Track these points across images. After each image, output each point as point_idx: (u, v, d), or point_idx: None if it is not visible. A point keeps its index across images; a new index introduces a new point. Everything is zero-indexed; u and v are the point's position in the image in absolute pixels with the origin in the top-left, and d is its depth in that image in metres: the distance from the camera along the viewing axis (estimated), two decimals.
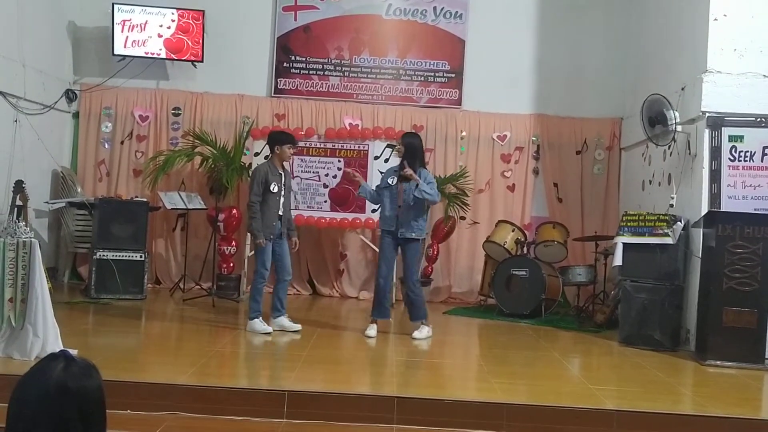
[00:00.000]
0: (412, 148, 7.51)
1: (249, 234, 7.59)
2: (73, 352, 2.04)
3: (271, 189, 7.39)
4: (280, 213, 7.51)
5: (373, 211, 9.71)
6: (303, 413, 4.96)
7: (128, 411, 4.79)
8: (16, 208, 7.97)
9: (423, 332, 7.51)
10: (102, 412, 1.96)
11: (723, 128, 7.55)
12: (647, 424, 4.99)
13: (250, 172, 7.78)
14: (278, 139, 7.65)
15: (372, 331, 7.51)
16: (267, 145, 7.85)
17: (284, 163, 7.67)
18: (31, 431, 1.83)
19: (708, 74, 7.62)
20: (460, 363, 7.14)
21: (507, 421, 4.95)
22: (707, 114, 7.60)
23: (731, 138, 7.54)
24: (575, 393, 5.60)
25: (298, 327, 7.53)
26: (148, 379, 5.33)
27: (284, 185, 7.56)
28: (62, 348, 1.94)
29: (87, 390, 1.90)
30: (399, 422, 4.94)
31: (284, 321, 7.54)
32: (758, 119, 7.51)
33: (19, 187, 8.10)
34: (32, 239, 5.67)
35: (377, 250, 10.01)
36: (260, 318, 7.41)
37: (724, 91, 7.57)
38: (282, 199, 7.52)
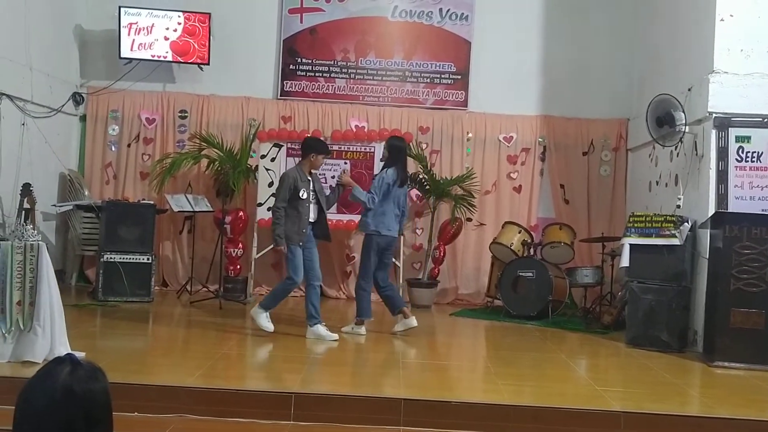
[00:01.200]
0: (390, 148, 7.73)
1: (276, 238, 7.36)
2: (80, 355, 2.05)
3: (301, 195, 7.30)
4: (312, 219, 7.46)
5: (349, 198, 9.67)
6: (310, 415, 4.97)
7: (136, 413, 4.81)
8: (23, 211, 7.97)
9: (347, 328, 7.68)
10: (108, 416, 1.96)
11: (730, 129, 7.53)
12: (654, 425, 4.98)
13: (279, 177, 7.62)
14: (315, 147, 7.55)
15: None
16: (301, 150, 7.71)
17: (312, 170, 7.59)
18: None
19: (715, 75, 7.60)
20: (466, 365, 7.14)
21: (514, 423, 4.95)
22: (714, 114, 7.58)
23: (738, 138, 7.51)
24: (582, 394, 5.59)
25: (336, 336, 7.33)
26: (155, 381, 5.34)
27: (314, 190, 7.50)
28: (69, 351, 1.94)
29: (93, 393, 1.91)
30: (405, 424, 4.94)
31: (321, 330, 7.35)
32: (765, 119, 7.49)
33: (26, 190, 8.09)
34: (39, 242, 5.69)
35: None
36: (267, 314, 7.38)
37: (731, 92, 7.54)
38: (311, 205, 7.44)
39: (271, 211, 7.45)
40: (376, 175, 7.82)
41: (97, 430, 1.91)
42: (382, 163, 7.88)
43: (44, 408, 1.85)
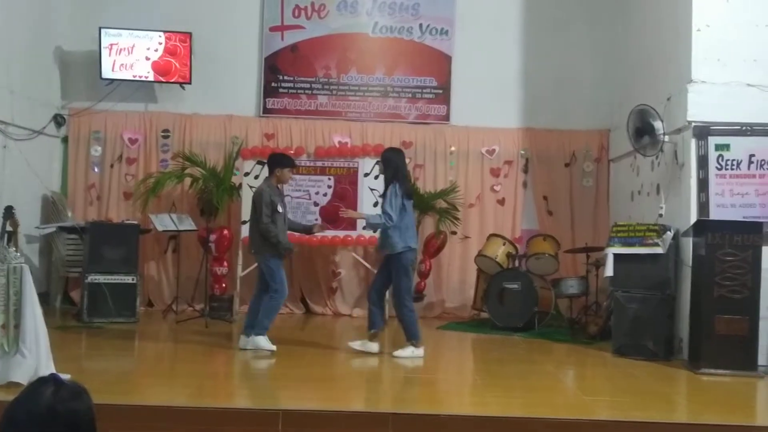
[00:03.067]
0: (386, 162, 7.46)
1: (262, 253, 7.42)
2: (66, 376, 2.04)
3: (278, 209, 7.41)
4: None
5: (364, 228, 9.72)
6: None
7: None
8: (6, 234, 7.94)
9: (406, 351, 7.32)
10: None
11: (709, 137, 7.60)
12: None
13: (252, 196, 7.63)
14: (279, 161, 7.66)
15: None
16: (267, 167, 7.81)
17: (279, 184, 7.68)
18: None
19: (693, 84, 7.68)
20: (454, 378, 7.14)
21: None
22: (693, 123, 7.65)
23: (718, 147, 7.59)
24: (570, 404, 5.62)
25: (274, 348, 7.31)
26: (143, 401, 5.31)
27: (285, 205, 7.66)
28: (53, 372, 1.94)
29: (77, 413, 1.91)
30: None
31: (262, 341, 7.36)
32: (744, 128, 7.57)
33: (8, 212, 8.07)
34: (23, 264, 5.65)
35: (370, 267, 10.08)
36: (266, 336, 7.31)
37: (710, 101, 7.62)
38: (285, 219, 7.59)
39: (260, 230, 7.33)
40: (383, 194, 7.47)
41: None
42: (380, 177, 7.75)
43: (28, 428, 1.85)
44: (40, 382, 1.92)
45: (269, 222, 7.33)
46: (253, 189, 9.56)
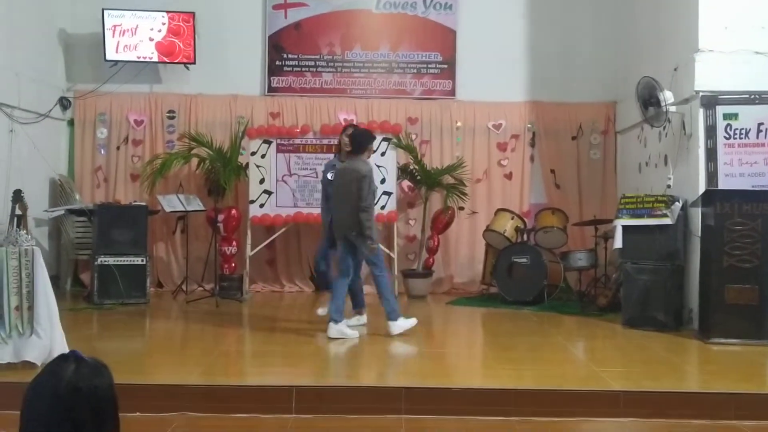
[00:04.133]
0: (354, 139, 7.24)
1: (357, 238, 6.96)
2: None
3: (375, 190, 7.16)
4: None
5: None
6: (311, 408, 4.98)
7: (137, 413, 4.80)
8: (15, 218, 7.97)
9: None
10: (114, 411, 1.97)
11: (717, 107, 7.57)
12: (653, 403, 5.02)
13: (352, 175, 6.92)
14: (371, 137, 7.34)
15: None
16: (353, 143, 7.18)
17: None
18: None
19: (700, 53, 7.63)
20: (465, 352, 7.16)
21: (515, 407, 4.97)
22: (701, 93, 7.62)
23: (726, 116, 7.55)
24: (581, 376, 5.64)
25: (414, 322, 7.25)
26: (155, 380, 5.36)
27: None
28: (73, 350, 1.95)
29: (98, 390, 1.92)
30: (407, 412, 4.95)
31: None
32: (752, 96, 7.53)
33: (17, 196, 8.09)
34: (34, 247, 5.69)
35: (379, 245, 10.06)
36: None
37: (717, 70, 7.58)
38: None
39: (362, 211, 6.84)
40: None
41: (104, 425, 1.92)
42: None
43: (51, 406, 1.86)
44: (62, 360, 1.93)
45: (372, 204, 6.95)
46: (260, 168, 9.63)
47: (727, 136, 7.54)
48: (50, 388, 1.86)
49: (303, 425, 4.79)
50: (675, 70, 8.09)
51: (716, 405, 5.02)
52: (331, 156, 9.38)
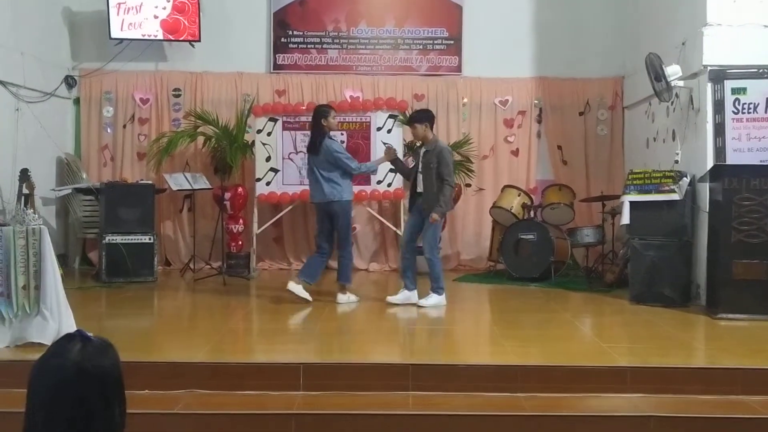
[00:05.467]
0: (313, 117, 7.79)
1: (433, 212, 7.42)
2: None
3: None
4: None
5: (379, 182, 9.73)
6: (319, 385, 4.99)
7: (146, 391, 4.82)
8: (23, 197, 7.99)
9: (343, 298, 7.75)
10: (121, 390, 1.97)
11: (725, 81, 7.51)
12: (661, 378, 5.02)
13: (434, 153, 7.48)
14: (432, 114, 7.90)
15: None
16: (418, 121, 7.64)
17: None
18: (50, 413, 1.85)
19: (708, 27, 7.56)
20: (472, 328, 7.17)
21: (522, 383, 4.98)
22: (709, 68, 7.55)
23: (734, 90, 7.50)
24: (588, 352, 5.65)
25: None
26: (164, 358, 5.38)
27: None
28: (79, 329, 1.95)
29: (104, 369, 1.92)
30: (414, 389, 4.96)
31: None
32: (761, 70, 7.47)
33: (24, 175, 8.12)
34: (41, 226, 5.70)
35: (385, 221, 10.10)
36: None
37: (725, 44, 7.51)
38: None
39: (445, 187, 7.43)
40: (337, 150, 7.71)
41: (111, 404, 1.92)
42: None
43: (57, 386, 1.86)
44: (67, 339, 1.93)
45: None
46: (266, 146, 9.61)
47: (736, 110, 7.48)
48: (56, 368, 1.86)
49: (311, 402, 4.80)
50: (683, 44, 8.03)
51: (724, 380, 5.02)
52: (339, 134, 9.42)
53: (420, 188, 7.58)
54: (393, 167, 8.60)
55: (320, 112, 7.79)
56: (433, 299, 7.51)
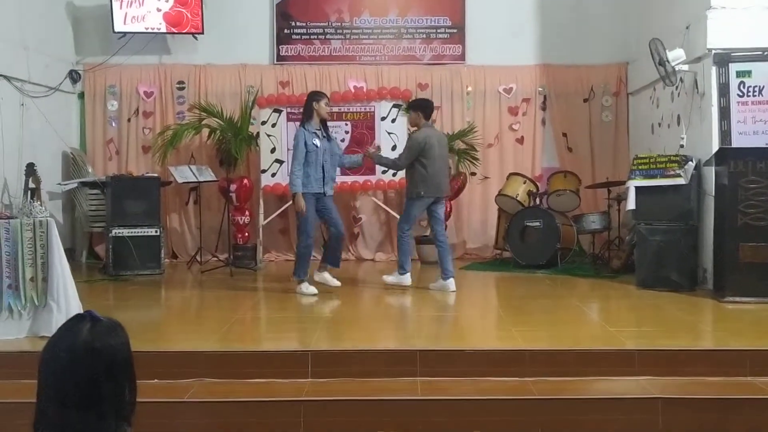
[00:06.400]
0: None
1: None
2: None
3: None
4: None
5: (383, 172, 9.74)
6: (328, 372, 5.01)
7: (155, 380, 4.83)
8: (29, 191, 8.02)
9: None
10: (130, 370, 1.99)
11: (730, 64, 7.49)
12: (669, 361, 5.03)
13: (410, 137, 7.94)
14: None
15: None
16: (419, 110, 7.88)
17: None
18: (61, 391, 1.86)
19: (712, 10, 7.53)
20: (479, 315, 7.17)
21: (529, 367, 4.99)
22: (713, 51, 7.53)
23: (739, 73, 7.48)
24: (596, 336, 5.65)
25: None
26: (173, 348, 5.40)
27: None
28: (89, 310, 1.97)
29: (114, 349, 1.93)
30: (422, 374, 4.98)
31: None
32: (765, 53, 7.44)
33: (30, 169, 8.14)
34: (48, 218, 5.72)
35: (390, 211, 10.10)
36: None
37: (730, 27, 7.49)
38: None
39: (395, 161, 8.00)
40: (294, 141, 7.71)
41: (121, 384, 1.94)
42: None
43: (67, 365, 1.87)
44: (77, 320, 1.95)
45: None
46: (271, 137, 9.63)
47: (741, 93, 7.47)
48: (66, 348, 1.88)
49: (319, 389, 4.82)
50: (687, 28, 8.00)
51: (731, 362, 5.02)
52: (343, 124, 9.45)
53: None
54: (379, 164, 8.65)
55: (310, 96, 7.87)
56: (393, 277, 7.80)
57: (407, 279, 7.78)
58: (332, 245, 7.88)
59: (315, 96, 7.79)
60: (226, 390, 4.85)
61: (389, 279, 7.85)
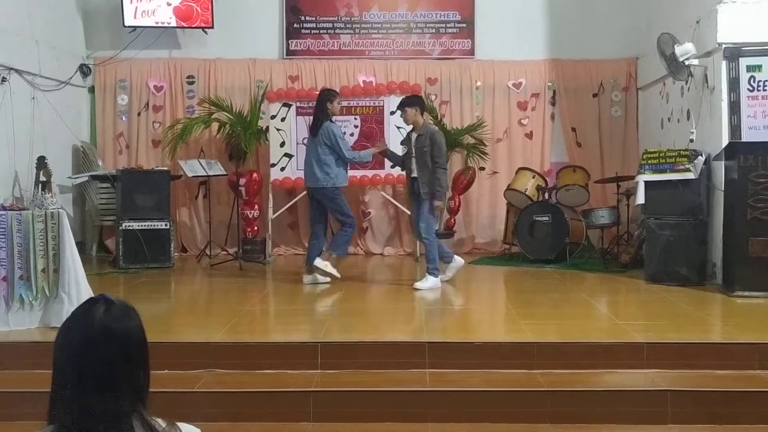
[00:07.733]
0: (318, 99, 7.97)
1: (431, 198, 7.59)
2: None
3: None
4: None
5: (392, 167, 9.72)
6: (337, 363, 5.04)
7: (166, 371, 4.87)
8: (40, 184, 8.05)
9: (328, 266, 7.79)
10: (145, 352, 2.01)
11: (740, 59, 7.46)
12: (677, 354, 5.03)
13: (428, 138, 7.57)
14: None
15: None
16: (412, 106, 7.79)
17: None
18: (78, 372, 1.88)
19: (722, 5, 7.51)
20: (488, 308, 7.20)
21: (538, 359, 5.01)
22: (723, 45, 7.51)
23: (749, 68, 7.45)
24: (605, 329, 5.67)
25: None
26: (183, 339, 5.44)
27: None
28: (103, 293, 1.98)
29: (129, 331, 1.95)
30: (431, 366, 5.00)
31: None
32: None
33: (41, 163, 8.17)
34: (60, 210, 5.75)
35: (399, 206, 10.11)
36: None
37: (740, 21, 7.46)
38: None
39: (440, 172, 7.52)
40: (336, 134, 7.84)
41: (136, 366, 1.96)
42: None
43: (83, 348, 1.89)
44: (92, 302, 1.96)
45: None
46: (280, 131, 9.65)
47: (751, 88, 7.44)
48: (82, 330, 1.90)
49: (328, 380, 4.85)
50: (697, 23, 7.98)
51: (740, 355, 5.03)
52: (352, 118, 9.46)
53: (415, 173, 7.65)
54: (387, 158, 8.65)
55: (325, 95, 7.96)
56: (430, 281, 7.50)
57: (459, 260, 7.90)
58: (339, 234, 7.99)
59: (329, 96, 7.91)
60: (235, 380, 4.89)
61: (424, 285, 7.50)
